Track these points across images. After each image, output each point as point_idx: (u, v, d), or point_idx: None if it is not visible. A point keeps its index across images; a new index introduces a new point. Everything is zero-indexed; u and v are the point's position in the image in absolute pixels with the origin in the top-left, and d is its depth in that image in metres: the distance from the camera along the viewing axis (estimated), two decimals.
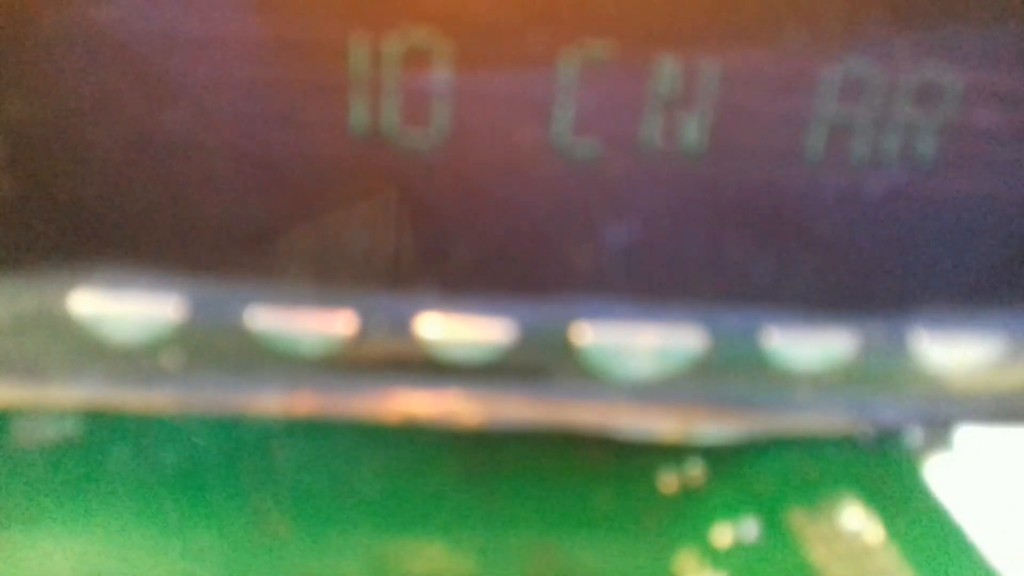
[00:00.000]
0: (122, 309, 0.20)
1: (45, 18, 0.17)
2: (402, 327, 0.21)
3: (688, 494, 0.24)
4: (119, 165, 0.18)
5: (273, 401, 0.21)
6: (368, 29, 0.19)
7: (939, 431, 0.25)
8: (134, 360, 0.20)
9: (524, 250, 0.21)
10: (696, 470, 0.24)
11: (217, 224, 0.20)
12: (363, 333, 0.21)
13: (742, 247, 0.22)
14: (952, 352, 0.22)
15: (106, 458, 0.24)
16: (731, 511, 0.23)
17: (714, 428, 0.23)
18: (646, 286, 0.22)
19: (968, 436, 0.26)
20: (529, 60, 0.20)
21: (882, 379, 0.22)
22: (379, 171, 0.20)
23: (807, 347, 0.22)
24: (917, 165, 0.21)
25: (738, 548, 0.22)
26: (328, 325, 0.20)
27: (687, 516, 0.23)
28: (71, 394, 0.21)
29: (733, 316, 0.22)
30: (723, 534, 0.22)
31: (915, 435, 0.25)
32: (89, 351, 0.20)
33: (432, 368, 0.21)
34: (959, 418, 0.23)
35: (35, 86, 0.18)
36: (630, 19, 0.20)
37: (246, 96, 0.19)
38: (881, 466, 0.25)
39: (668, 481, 0.24)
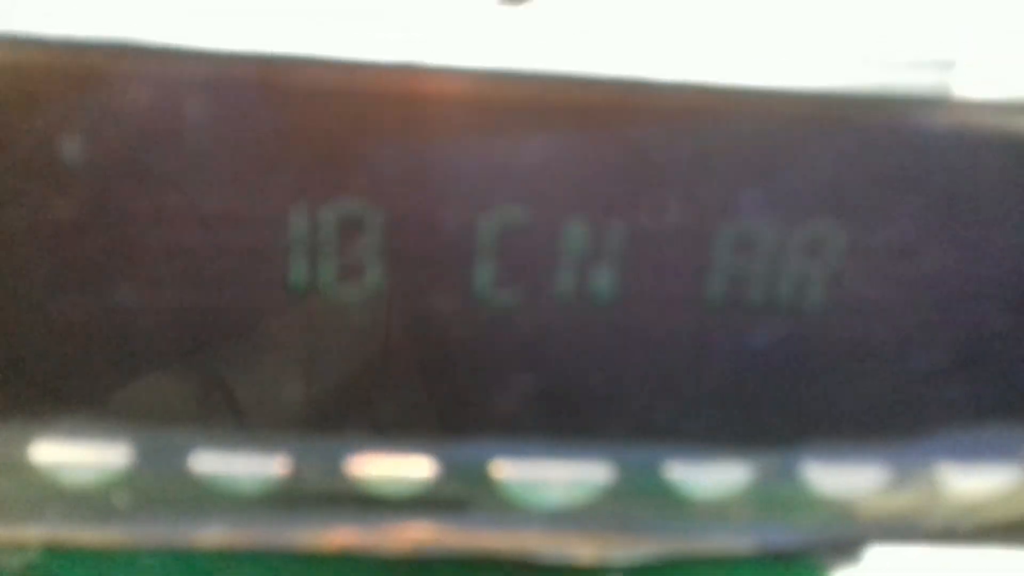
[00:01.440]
0: (77, 456, 0.22)
1: (6, 208, 0.20)
2: (334, 467, 0.23)
3: None
4: (74, 332, 0.21)
5: (216, 536, 0.23)
6: (307, 200, 0.22)
7: (845, 549, 0.27)
8: (88, 501, 0.22)
9: (447, 394, 0.23)
10: None
11: (163, 378, 0.22)
12: (298, 473, 0.23)
13: (647, 388, 0.24)
14: (839, 480, 0.24)
15: None
16: None
17: (627, 552, 0.25)
18: (559, 425, 0.24)
19: (877, 553, 0.28)
20: (451, 223, 0.22)
21: (776, 505, 0.24)
22: (314, 326, 0.22)
23: (706, 477, 0.24)
24: (806, 311, 0.24)
25: None
26: (265, 467, 0.22)
27: None
28: (32, 532, 0.22)
29: (638, 450, 0.24)
30: None
31: (822, 552, 0.27)
32: (48, 494, 0.22)
33: (363, 503, 0.23)
34: (847, 539, 0.25)
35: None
36: (541, 186, 0.22)
37: (193, 262, 0.21)
38: None
39: None
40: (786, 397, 0.24)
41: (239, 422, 0.22)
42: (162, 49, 0.19)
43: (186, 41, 0.19)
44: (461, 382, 0.23)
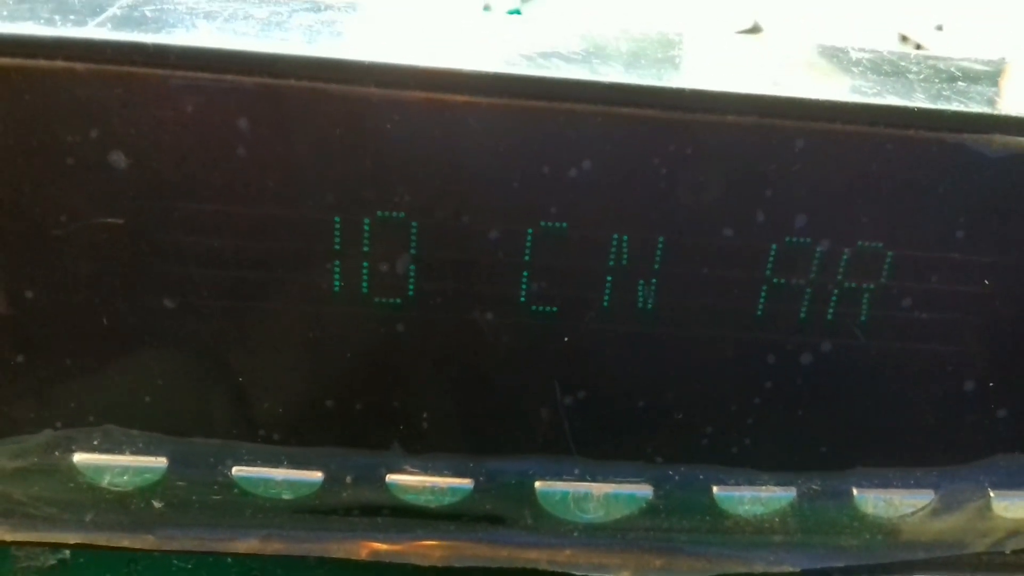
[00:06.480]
0: (119, 463, 0.22)
1: (55, 227, 0.20)
2: (371, 478, 0.22)
3: None
4: (118, 345, 0.21)
5: (251, 544, 0.23)
6: (350, 212, 0.21)
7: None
8: (127, 505, 0.22)
9: (488, 408, 0.23)
10: None
11: (205, 388, 0.22)
12: (334, 484, 0.22)
13: (689, 406, 0.23)
14: (886, 505, 0.24)
15: None
16: None
17: (665, 571, 0.24)
18: (601, 441, 0.23)
19: None
20: (489, 238, 0.22)
21: (822, 528, 0.24)
22: (354, 336, 0.22)
23: (751, 498, 0.23)
24: (853, 328, 0.23)
25: None
26: (302, 476, 0.22)
27: None
28: (71, 534, 0.22)
29: (681, 471, 0.23)
30: None
31: None
32: (88, 497, 0.22)
33: (399, 514, 0.23)
34: (893, 564, 0.25)
35: (49, 284, 0.20)
36: (583, 203, 0.22)
37: (234, 273, 0.21)
38: None
39: None
40: (834, 417, 0.24)
41: (277, 430, 0.22)
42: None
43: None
44: (501, 397, 0.23)
